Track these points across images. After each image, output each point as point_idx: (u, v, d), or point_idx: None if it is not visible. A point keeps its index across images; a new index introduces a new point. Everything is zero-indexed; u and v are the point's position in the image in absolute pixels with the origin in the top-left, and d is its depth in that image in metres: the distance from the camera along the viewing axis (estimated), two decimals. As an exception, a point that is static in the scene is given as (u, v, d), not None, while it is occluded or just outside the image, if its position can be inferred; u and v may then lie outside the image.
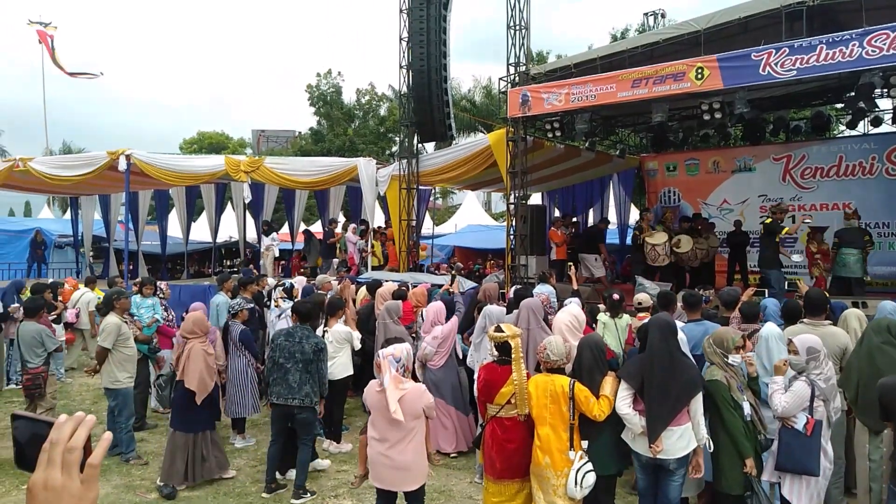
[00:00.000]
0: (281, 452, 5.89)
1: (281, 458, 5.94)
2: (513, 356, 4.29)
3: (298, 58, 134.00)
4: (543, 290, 7.82)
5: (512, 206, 11.98)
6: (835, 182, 13.80)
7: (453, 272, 11.81)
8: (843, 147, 13.94)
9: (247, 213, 18.84)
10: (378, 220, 16.47)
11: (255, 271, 12.67)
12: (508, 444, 4.33)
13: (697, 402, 4.08)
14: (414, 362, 5.20)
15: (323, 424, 6.90)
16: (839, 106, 14.19)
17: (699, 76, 9.39)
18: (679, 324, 4.96)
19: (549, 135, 12.08)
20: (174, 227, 19.66)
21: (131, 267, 17.40)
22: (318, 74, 35.49)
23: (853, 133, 13.99)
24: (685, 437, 4.05)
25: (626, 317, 6.26)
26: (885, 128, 13.23)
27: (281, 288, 9.35)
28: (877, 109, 12.82)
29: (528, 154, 11.91)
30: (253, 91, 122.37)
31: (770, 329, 4.91)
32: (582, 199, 17.22)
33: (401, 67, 13.30)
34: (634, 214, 17.26)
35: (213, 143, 42.36)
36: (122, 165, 14.04)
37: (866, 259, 10.68)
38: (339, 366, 6.80)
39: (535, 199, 16.98)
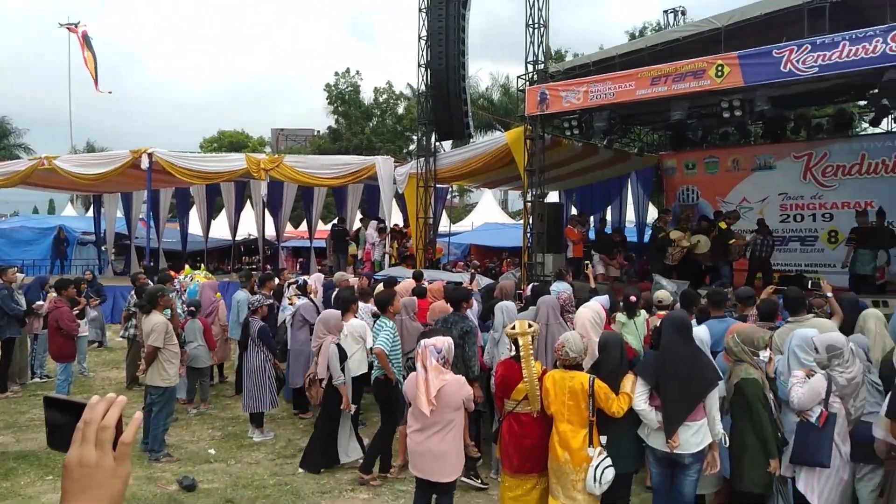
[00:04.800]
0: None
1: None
2: (521, 354, 4.34)
3: (317, 57, 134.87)
4: (561, 288, 7.81)
5: (529, 204, 11.98)
6: (857, 180, 13.62)
7: (472, 270, 11.84)
8: (866, 145, 13.75)
9: (265, 210, 19.02)
10: (395, 218, 16.55)
11: (268, 268, 12.80)
12: (525, 439, 4.36)
13: (713, 398, 4.08)
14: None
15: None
16: (862, 103, 13.97)
17: (719, 74, 9.32)
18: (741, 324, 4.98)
19: (567, 133, 12.07)
20: (195, 224, 19.91)
21: (151, 263, 17.65)
22: (337, 73, 35.76)
23: (876, 130, 13.80)
24: (701, 433, 4.05)
25: (643, 314, 6.27)
26: (909, 126, 13.04)
27: (294, 285, 9.41)
28: (901, 107, 12.61)
29: (545, 152, 11.91)
30: (272, 90, 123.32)
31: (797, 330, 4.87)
32: (599, 197, 17.15)
33: (419, 66, 13.36)
34: (653, 213, 17.15)
35: (233, 142, 42.80)
36: (145, 164, 14.26)
37: (877, 257, 10.86)
38: (355, 362, 6.83)
39: (553, 197, 16.93)
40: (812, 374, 4.23)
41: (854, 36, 8.26)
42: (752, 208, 14.75)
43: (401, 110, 35.63)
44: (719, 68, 9.29)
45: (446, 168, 13.56)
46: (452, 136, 13.60)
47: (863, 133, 15.22)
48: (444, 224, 19.99)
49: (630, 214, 17.81)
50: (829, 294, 5.85)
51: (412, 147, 30.03)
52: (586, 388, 4.11)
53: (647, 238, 15.57)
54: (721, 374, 4.30)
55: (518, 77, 12.06)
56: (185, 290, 9.82)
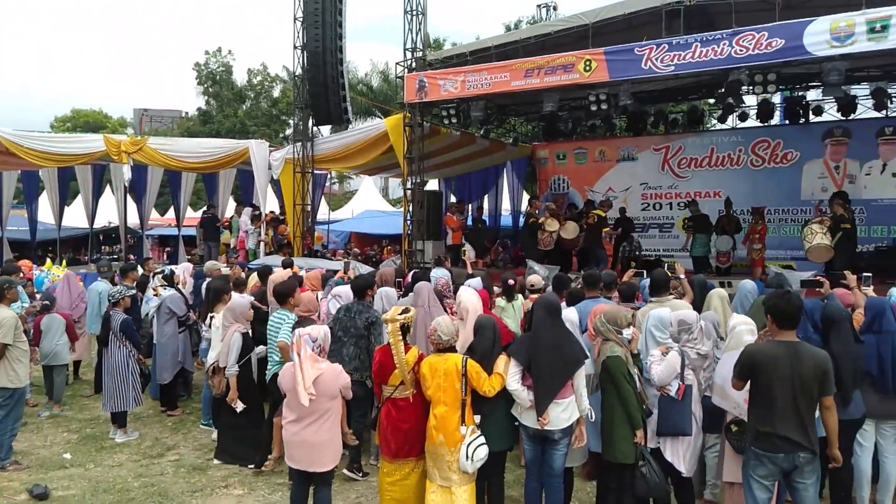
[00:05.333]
0: None
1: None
2: (391, 340, 4.37)
3: (186, 34, 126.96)
4: (439, 274, 7.92)
5: (409, 192, 12.03)
6: (707, 171, 14.88)
7: (346, 258, 11.71)
8: (715, 139, 15.04)
9: (128, 196, 17.74)
10: (272, 204, 16.03)
11: (131, 258, 12.01)
12: (403, 424, 4.39)
13: (580, 376, 4.30)
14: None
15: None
16: (712, 101, 15.24)
17: (587, 68, 9.79)
18: (607, 304, 5.28)
19: (446, 121, 12.22)
20: (45, 211, 18.15)
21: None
22: (207, 52, 33.95)
23: (723, 127, 15.13)
24: (569, 409, 4.26)
25: (520, 298, 6.52)
26: (751, 122, 14.39)
27: (160, 276, 8.89)
28: (744, 105, 13.89)
29: (424, 140, 11.98)
30: (134, 68, 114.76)
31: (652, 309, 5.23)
32: (477, 185, 17.54)
33: (295, 48, 12.97)
34: (527, 201, 17.80)
35: (90, 122, 39.50)
36: (-17, 143, 12.81)
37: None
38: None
39: (432, 185, 17.12)
40: (668, 352, 4.57)
41: (705, 38, 8.97)
42: (617, 197, 15.70)
43: (276, 93, 34.44)
44: (587, 63, 9.77)
45: (324, 154, 13.29)
46: (330, 121, 13.32)
47: (712, 129, 16.61)
48: (324, 211, 19.65)
49: (506, 202, 18.36)
50: (682, 276, 6.35)
51: (289, 132, 29.17)
52: (460, 369, 4.20)
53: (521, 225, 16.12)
54: (588, 353, 4.55)
55: (397, 63, 12.02)
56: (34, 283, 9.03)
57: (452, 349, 4.39)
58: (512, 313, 6.42)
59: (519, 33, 10.88)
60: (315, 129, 13.61)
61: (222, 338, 6.06)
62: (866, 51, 8.17)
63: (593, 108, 10.72)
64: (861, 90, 12.93)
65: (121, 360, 6.71)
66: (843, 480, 4.88)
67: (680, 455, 4.49)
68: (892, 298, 5.62)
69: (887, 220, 12.98)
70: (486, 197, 18.06)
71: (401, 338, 4.38)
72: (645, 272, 8.24)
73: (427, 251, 11.68)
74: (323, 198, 18.44)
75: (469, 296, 4.98)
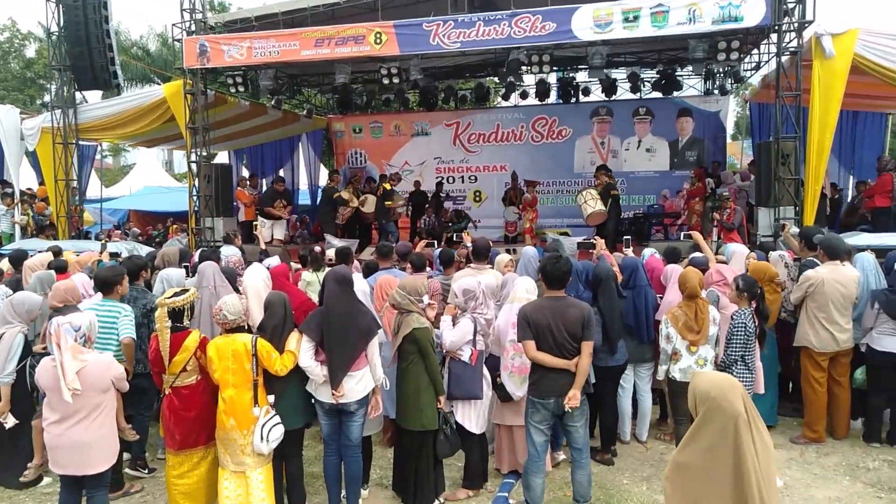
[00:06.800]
0: None
1: None
2: (157, 326, 4.10)
3: None
4: (231, 252, 7.50)
5: (193, 165, 11.19)
6: (494, 146, 15.79)
7: (103, 240, 10.59)
8: (501, 116, 15.99)
9: None
10: (29, 181, 14.05)
11: None
12: (188, 412, 4.12)
13: (374, 346, 4.32)
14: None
15: None
16: (497, 80, 16.14)
17: (378, 41, 9.79)
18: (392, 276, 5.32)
19: (233, 90, 11.52)
20: None
21: None
22: (-67, -1, 28.28)
23: (507, 104, 16.13)
24: (364, 380, 4.27)
25: (327, 270, 6.39)
26: (531, 100, 15.50)
27: None
28: (524, 84, 14.91)
29: (209, 109, 11.20)
30: None
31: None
32: (271, 158, 16.84)
33: (48, 0, 11.29)
34: (325, 175, 17.52)
35: None
36: None
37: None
38: None
39: (222, 157, 16.11)
40: (458, 318, 4.77)
41: (487, 18, 9.41)
42: (413, 171, 16.09)
43: (31, 53, 29.88)
44: (378, 35, 9.77)
45: (91, 123, 11.82)
46: (97, 85, 11.83)
47: (498, 106, 17.63)
48: (96, 188, 17.64)
49: (303, 177, 17.89)
50: (469, 245, 6.68)
51: (48, 98, 25.55)
52: (249, 349, 4.01)
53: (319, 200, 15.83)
54: (380, 323, 4.60)
55: (174, 25, 11.00)
56: None
57: (241, 329, 4.18)
58: (317, 287, 6.25)
59: (308, 0, 10.51)
60: (79, 94, 12.04)
61: None
62: (621, 38, 9.16)
63: (385, 81, 10.76)
64: (620, 74, 14.51)
65: None
66: (608, 419, 5.55)
67: (471, 417, 4.74)
68: (644, 258, 6.43)
69: (643, 190, 14.87)
70: (281, 171, 17.41)
71: (168, 323, 4.06)
72: (436, 243, 8.56)
73: (217, 229, 10.98)
74: (94, 172, 16.49)
75: (249, 276, 4.76)
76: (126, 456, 5.18)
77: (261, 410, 4.03)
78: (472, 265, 6.00)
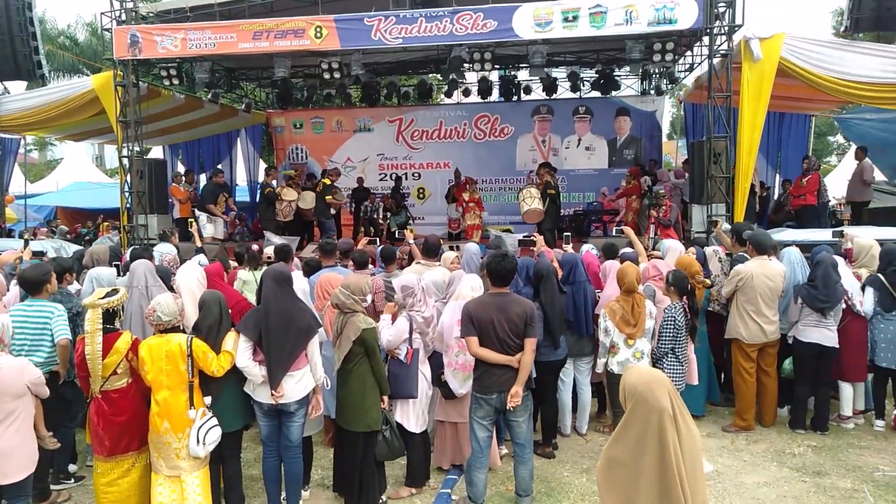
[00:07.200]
0: None
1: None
2: (88, 328, 3.91)
3: None
4: (165, 250, 7.25)
5: (125, 161, 10.76)
6: (437, 143, 15.79)
7: (28, 237, 10.06)
8: (443, 113, 16.00)
9: None
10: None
11: None
12: (118, 417, 3.94)
13: (314, 345, 4.24)
14: None
15: None
16: (440, 77, 16.12)
17: (318, 35, 9.64)
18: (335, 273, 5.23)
19: (167, 82, 11.13)
20: None
21: None
22: None
23: (450, 101, 16.14)
24: (304, 380, 4.19)
25: (264, 268, 6.23)
26: (473, 98, 15.56)
27: None
28: (466, 81, 14.95)
29: (142, 102, 10.79)
30: None
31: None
32: (209, 154, 16.37)
33: (-37, -16, 10.64)
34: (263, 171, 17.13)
35: None
36: None
37: None
38: None
39: (157, 152, 15.56)
40: (396, 317, 4.75)
41: (429, 14, 9.38)
42: (356, 167, 15.93)
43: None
44: (318, 29, 9.61)
45: (13, 115, 11.21)
46: (20, 76, 11.25)
47: (441, 103, 17.62)
48: (19, 183, 16.78)
49: (241, 173, 17.47)
50: (412, 241, 6.66)
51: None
52: (184, 350, 3.88)
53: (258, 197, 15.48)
54: (321, 322, 4.52)
55: (102, 14, 10.53)
56: None
57: (176, 329, 4.03)
58: (254, 286, 6.11)
59: (245, -8, 10.25)
60: (1, 85, 11.42)
61: None
62: (561, 37, 9.29)
63: (326, 76, 10.60)
64: (561, 73, 14.73)
65: None
66: (550, 413, 5.63)
67: (409, 415, 4.73)
68: (582, 253, 6.55)
69: (582, 188, 15.14)
70: (220, 166, 16.92)
71: (100, 326, 3.89)
72: (378, 240, 8.49)
73: (151, 226, 10.61)
74: (17, 167, 15.66)
75: (182, 275, 4.61)
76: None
77: (196, 413, 3.90)
78: (421, 261, 5.99)
